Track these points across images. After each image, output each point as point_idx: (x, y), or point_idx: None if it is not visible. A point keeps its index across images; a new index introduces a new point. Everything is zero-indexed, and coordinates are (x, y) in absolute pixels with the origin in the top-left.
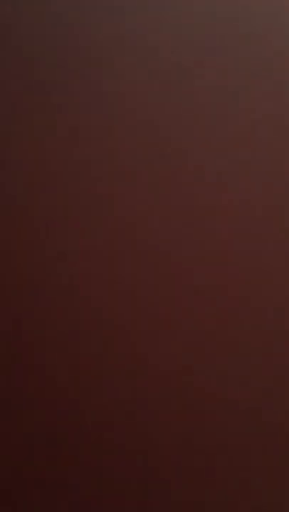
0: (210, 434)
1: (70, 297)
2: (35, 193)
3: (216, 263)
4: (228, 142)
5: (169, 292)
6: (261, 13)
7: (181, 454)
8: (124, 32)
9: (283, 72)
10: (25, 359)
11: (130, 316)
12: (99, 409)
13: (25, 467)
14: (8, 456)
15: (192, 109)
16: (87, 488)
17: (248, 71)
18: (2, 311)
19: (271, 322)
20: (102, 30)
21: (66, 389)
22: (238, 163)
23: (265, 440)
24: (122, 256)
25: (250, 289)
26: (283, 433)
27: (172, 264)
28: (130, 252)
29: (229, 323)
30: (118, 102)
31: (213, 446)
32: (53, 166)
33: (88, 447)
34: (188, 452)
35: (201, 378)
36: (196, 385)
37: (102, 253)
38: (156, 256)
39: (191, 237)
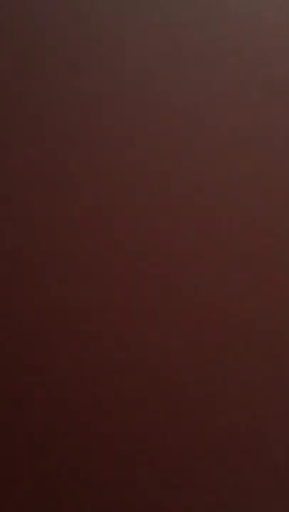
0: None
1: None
2: (35, 196)
3: (218, 267)
4: (230, 149)
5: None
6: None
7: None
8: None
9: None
10: (25, 360)
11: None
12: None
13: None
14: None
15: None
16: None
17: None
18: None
19: (272, 324)
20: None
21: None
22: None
23: (265, 444)
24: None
25: (254, 298)
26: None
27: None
28: (130, 256)
29: (230, 326)
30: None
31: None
32: (52, 173)
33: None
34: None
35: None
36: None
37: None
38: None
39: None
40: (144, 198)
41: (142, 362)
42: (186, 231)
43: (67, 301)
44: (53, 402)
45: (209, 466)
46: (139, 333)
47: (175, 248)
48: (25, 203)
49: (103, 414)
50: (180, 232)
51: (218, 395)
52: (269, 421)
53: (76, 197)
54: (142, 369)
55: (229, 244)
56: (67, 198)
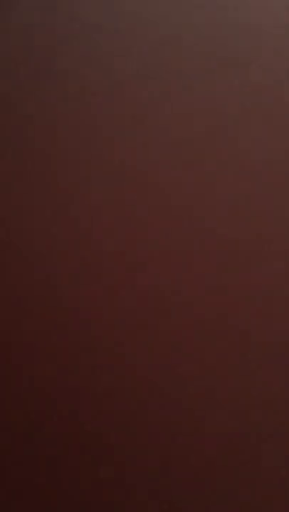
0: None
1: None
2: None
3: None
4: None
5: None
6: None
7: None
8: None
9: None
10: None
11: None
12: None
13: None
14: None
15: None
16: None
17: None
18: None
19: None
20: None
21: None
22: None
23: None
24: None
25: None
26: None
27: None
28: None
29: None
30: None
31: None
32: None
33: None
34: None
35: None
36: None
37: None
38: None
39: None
40: (144, 192)
41: (141, 362)
42: (185, 231)
43: (66, 299)
44: (52, 400)
45: (209, 466)
46: (138, 335)
47: (173, 252)
48: (25, 200)
49: (101, 412)
50: (179, 232)
51: (217, 402)
52: (268, 423)
53: (75, 195)
54: (141, 369)
55: (227, 251)
56: (66, 196)
